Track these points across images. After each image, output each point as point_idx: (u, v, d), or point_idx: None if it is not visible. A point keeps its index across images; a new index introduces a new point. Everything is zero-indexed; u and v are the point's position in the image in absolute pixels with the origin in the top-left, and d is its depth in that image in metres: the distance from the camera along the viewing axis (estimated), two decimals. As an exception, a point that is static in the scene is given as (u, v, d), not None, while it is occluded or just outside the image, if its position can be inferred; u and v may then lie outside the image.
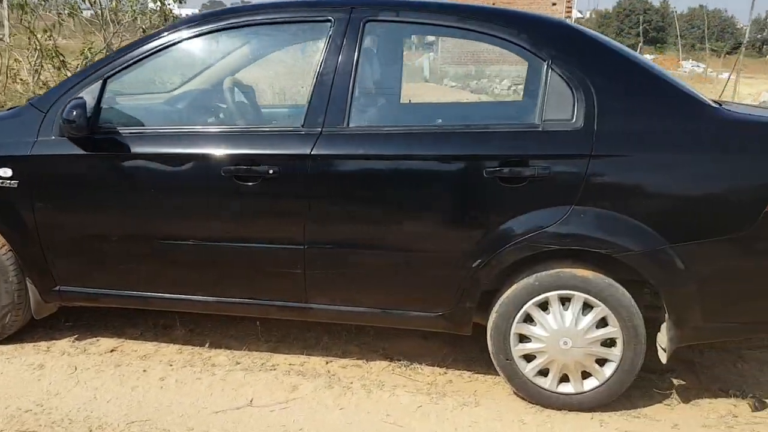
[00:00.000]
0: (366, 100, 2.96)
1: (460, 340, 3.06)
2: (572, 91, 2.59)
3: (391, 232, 2.73)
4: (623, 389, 2.69)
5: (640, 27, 32.92)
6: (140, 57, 2.89)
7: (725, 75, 16.32)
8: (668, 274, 2.54)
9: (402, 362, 3.08)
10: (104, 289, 3.04)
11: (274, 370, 3.02)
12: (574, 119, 2.58)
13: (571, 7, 19.24)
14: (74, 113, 2.71)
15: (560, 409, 2.71)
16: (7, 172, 2.91)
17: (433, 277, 2.72)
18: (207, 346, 3.22)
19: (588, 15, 55.37)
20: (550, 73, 2.63)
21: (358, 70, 2.75)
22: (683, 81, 2.95)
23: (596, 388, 2.68)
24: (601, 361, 2.66)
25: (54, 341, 3.23)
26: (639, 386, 2.81)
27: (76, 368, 2.98)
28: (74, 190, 2.94)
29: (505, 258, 2.62)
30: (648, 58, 5.20)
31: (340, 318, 2.93)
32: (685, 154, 2.54)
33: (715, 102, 2.79)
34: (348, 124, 2.72)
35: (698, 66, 25.46)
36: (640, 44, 25.02)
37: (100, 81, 2.86)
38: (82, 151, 2.84)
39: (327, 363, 3.09)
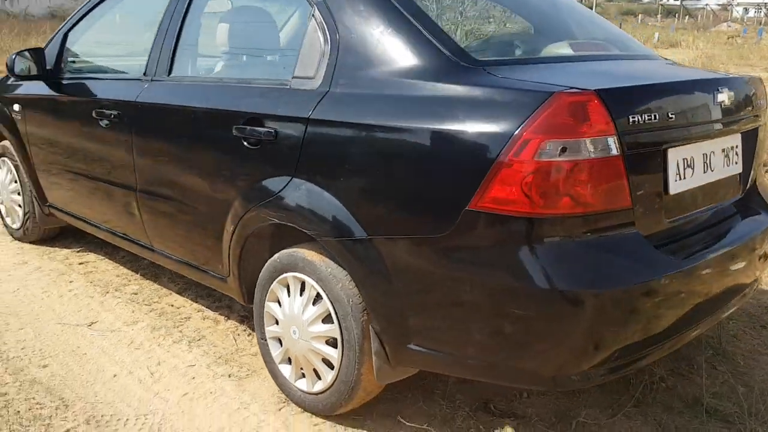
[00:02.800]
0: (190, 52, 2.92)
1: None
2: (321, 44, 2.22)
3: (178, 185, 2.71)
4: (346, 404, 2.26)
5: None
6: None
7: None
8: (367, 272, 2.05)
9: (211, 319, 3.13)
10: (68, 211, 3.65)
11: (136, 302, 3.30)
12: (315, 77, 2.21)
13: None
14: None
15: (298, 406, 2.41)
16: (17, 107, 3.70)
17: (210, 237, 2.62)
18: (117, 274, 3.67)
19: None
20: (311, 21, 2.28)
21: (184, 26, 2.78)
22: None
23: (322, 392, 2.30)
24: (330, 363, 2.27)
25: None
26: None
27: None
28: (39, 121, 3.62)
29: (244, 227, 2.41)
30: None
31: (171, 265, 3.00)
32: (400, 132, 1.97)
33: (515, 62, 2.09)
34: (170, 74, 2.77)
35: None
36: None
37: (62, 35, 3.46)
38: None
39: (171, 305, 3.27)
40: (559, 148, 1.72)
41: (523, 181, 1.73)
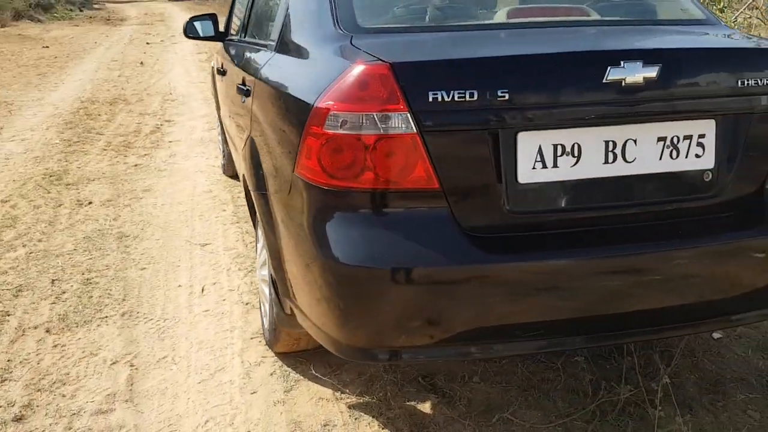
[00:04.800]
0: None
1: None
2: (282, 12, 2.47)
3: None
4: (275, 344, 2.52)
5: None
6: None
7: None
8: (263, 224, 2.27)
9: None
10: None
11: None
12: (273, 41, 2.51)
13: None
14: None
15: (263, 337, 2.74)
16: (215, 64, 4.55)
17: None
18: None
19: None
20: None
21: None
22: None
23: (266, 329, 2.60)
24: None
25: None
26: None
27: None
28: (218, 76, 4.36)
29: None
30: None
31: None
32: (272, 96, 2.15)
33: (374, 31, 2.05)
34: None
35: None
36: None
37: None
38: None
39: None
40: (348, 121, 1.72)
41: (319, 151, 1.78)
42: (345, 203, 1.79)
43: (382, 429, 2.24)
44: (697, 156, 1.88)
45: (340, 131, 1.72)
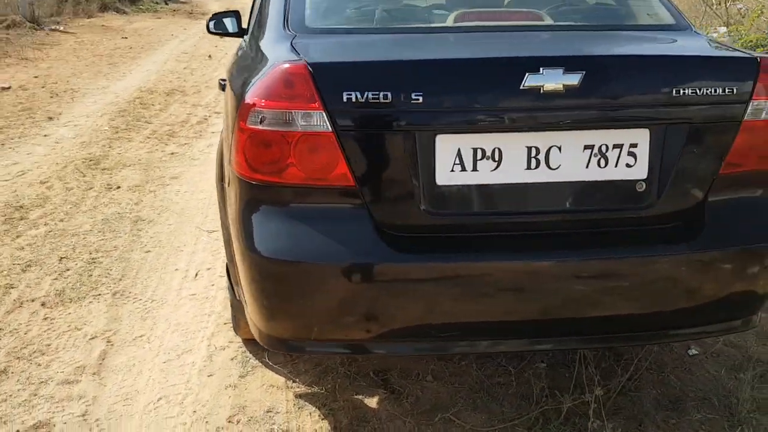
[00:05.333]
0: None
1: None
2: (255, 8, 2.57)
3: None
4: (239, 329, 2.57)
5: None
6: None
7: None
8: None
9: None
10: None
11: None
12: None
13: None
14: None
15: (235, 324, 2.82)
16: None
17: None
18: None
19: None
20: None
21: None
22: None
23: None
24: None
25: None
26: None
27: None
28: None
29: None
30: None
31: None
32: (229, 89, 2.22)
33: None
34: None
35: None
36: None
37: None
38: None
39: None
40: (267, 117, 1.77)
41: (244, 145, 1.85)
42: (267, 197, 1.85)
43: (322, 419, 2.28)
44: (628, 165, 1.83)
45: (260, 127, 1.77)
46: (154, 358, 2.62)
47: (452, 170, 1.79)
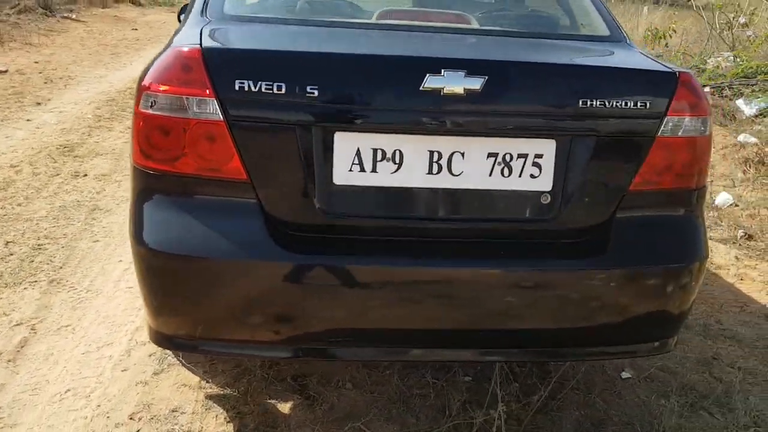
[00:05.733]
0: None
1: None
2: None
3: None
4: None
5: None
6: None
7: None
8: None
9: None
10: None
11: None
12: None
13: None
14: None
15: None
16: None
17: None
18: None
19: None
20: None
21: None
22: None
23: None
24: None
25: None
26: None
27: None
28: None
29: None
30: None
31: None
32: None
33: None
34: None
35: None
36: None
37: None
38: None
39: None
40: (158, 102, 1.71)
41: (137, 130, 1.79)
42: (159, 187, 1.79)
43: (228, 422, 2.22)
44: (533, 176, 1.76)
45: (151, 111, 1.72)
46: (74, 349, 2.57)
47: (350, 170, 1.73)
